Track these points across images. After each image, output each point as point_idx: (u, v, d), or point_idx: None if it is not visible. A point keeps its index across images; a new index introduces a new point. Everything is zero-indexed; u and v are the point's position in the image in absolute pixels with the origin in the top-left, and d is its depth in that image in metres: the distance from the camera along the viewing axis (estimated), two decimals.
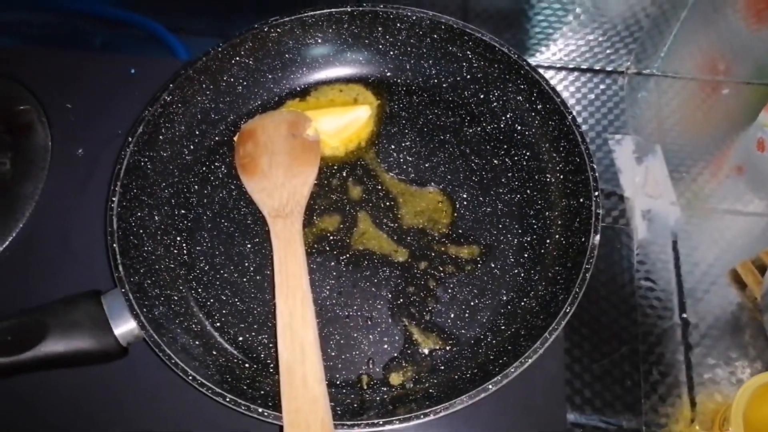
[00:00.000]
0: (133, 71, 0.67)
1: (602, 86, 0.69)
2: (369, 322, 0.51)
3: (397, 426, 0.41)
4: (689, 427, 0.52)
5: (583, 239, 0.48)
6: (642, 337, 0.55)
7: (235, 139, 0.59)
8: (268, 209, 0.52)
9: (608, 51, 0.70)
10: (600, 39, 0.70)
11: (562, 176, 0.55)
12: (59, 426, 0.50)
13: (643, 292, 0.57)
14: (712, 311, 0.56)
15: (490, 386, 0.42)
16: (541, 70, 0.70)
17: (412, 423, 0.41)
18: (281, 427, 0.41)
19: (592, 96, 0.68)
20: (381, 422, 0.41)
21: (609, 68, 0.70)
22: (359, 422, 0.41)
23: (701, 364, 0.54)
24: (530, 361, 0.43)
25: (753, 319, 0.55)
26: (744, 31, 0.66)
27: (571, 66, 0.70)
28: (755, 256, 0.57)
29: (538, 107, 0.56)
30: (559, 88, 0.68)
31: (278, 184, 0.54)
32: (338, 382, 0.49)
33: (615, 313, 0.56)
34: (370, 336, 0.51)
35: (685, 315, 0.56)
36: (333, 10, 0.59)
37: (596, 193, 0.49)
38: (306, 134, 0.58)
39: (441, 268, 0.53)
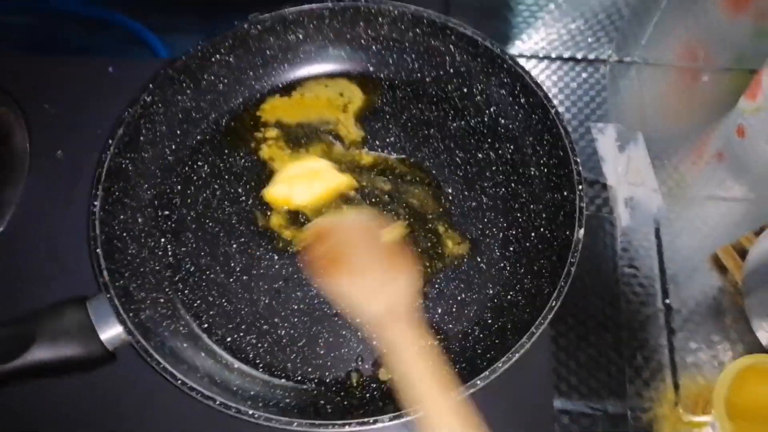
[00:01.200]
0: (111, 70, 0.66)
1: (584, 75, 0.69)
2: (357, 320, 0.51)
3: (387, 423, 0.42)
4: (673, 410, 0.53)
5: (567, 233, 0.49)
6: (626, 323, 0.56)
7: (302, 246, 0.54)
8: (372, 313, 0.47)
9: (590, 40, 0.70)
10: (582, 28, 0.70)
11: (546, 169, 0.55)
12: None
13: (626, 279, 0.58)
14: (694, 296, 0.57)
15: (479, 382, 0.43)
16: (523, 60, 0.70)
17: (402, 420, 0.42)
18: None
19: (575, 84, 0.69)
20: (371, 420, 0.42)
21: (591, 57, 0.70)
22: (350, 421, 0.41)
23: (684, 348, 0.55)
24: (517, 356, 0.43)
25: (734, 303, 0.56)
26: (722, 19, 0.67)
27: (553, 55, 0.71)
28: (736, 241, 0.58)
29: (522, 101, 0.57)
30: (541, 77, 0.69)
31: (378, 286, 0.48)
32: (328, 381, 0.50)
33: (599, 301, 0.57)
34: (359, 333, 0.51)
35: (667, 300, 0.57)
36: (314, 6, 0.59)
37: (580, 187, 0.50)
38: (383, 237, 0.52)
39: (428, 263, 0.54)
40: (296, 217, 0.57)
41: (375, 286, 0.48)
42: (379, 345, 0.49)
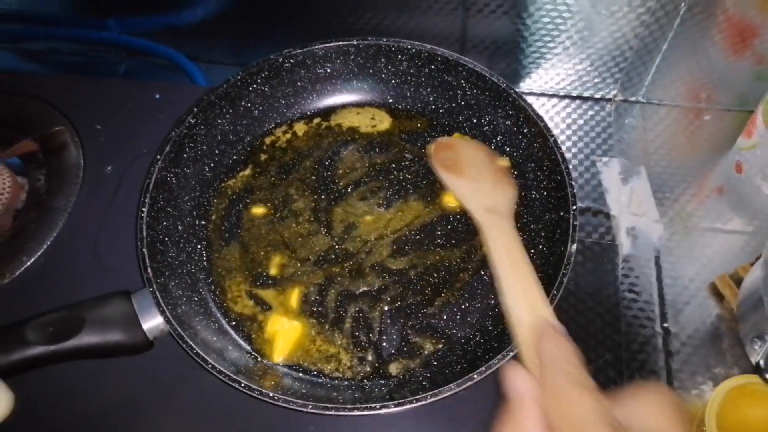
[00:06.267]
0: (157, 96, 0.72)
1: (591, 112, 0.73)
2: (371, 324, 0.55)
3: (392, 410, 0.45)
4: None
5: (562, 248, 0.52)
6: (625, 345, 0.57)
7: (432, 147, 0.63)
8: (480, 205, 0.55)
9: (596, 80, 0.73)
10: (588, 69, 0.73)
11: (545, 193, 0.58)
12: (91, 410, 0.54)
13: (627, 304, 0.60)
14: (692, 321, 0.59)
15: (475, 376, 0.45)
16: (533, 97, 0.74)
17: (405, 408, 0.45)
18: None
19: (582, 121, 0.72)
20: (378, 406, 0.45)
21: (597, 96, 0.74)
22: (359, 406, 0.45)
23: (681, 370, 0.56)
24: (512, 354, 0.46)
25: (730, 328, 0.58)
26: (723, 61, 0.69)
27: (562, 93, 0.74)
28: (733, 271, 0.59)
29: (525, 131, 0.60)
30: (550, 114, 0.73)
31: (488, 190, 0.57)
32: (342, 376, 0.53)
33: (600, 323, 0.59)
34: (371, 335, 0.55)
35: (666, 325, 0.59)
36: (341, 42, 0.64)
37: (574, 207, 0.53)
38: (499, 162, 0.61)
39: (435, 275, 0.57)
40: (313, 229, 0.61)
41: (486, 188, 0.57)
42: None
